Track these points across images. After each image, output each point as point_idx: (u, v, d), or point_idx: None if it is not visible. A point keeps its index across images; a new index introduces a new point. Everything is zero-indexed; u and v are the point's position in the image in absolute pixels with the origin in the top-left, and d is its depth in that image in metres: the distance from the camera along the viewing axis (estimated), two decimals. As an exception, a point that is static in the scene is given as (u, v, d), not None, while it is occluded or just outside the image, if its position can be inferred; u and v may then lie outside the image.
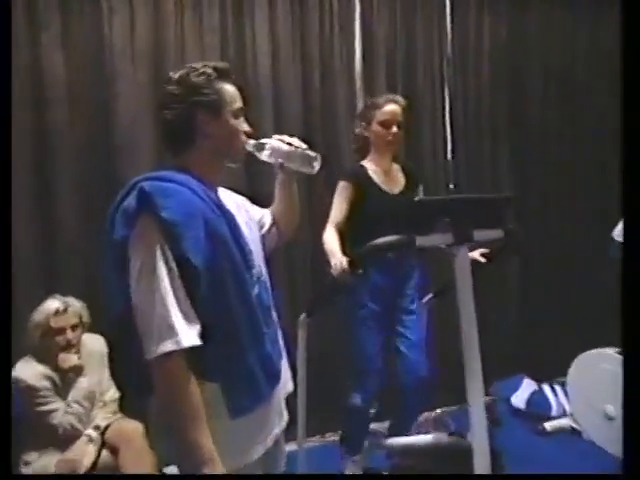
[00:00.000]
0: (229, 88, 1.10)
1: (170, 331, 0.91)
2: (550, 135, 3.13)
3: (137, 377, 0.97)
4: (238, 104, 1.11)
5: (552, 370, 3.02)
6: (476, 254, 1.71)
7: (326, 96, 2.62)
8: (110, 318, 1.00)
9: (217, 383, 1.00)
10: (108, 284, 1.00)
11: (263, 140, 1.18)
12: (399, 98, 2.03)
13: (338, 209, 1.96)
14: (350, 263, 1.49)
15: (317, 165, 1.19)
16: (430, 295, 2.01)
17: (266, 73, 2.49)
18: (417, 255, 2.08)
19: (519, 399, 2.83)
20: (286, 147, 1.19)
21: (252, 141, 1.16)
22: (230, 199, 1.18)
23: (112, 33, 2.24)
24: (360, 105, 2.66)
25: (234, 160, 1.15)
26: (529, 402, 2.80)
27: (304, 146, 1.21)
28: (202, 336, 0.96)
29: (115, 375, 1.07)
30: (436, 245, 1.33)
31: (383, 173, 2.04)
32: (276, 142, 1.19)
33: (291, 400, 1.40)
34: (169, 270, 0.93)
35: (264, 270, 1.17)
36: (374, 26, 2.70)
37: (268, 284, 1.17)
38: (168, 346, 0.91)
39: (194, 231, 0.95)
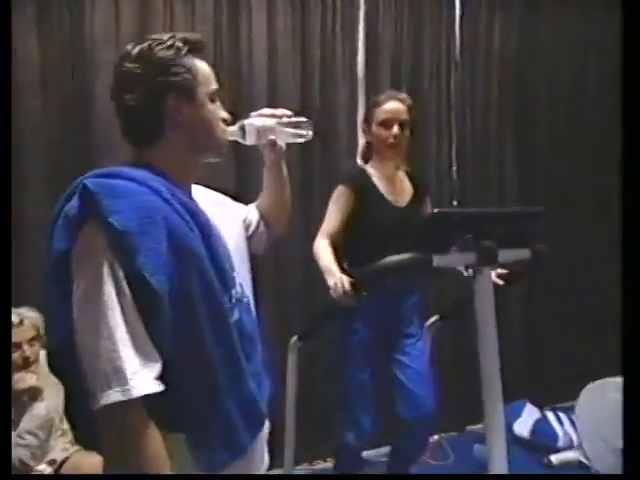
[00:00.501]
0: (203, 65, 0.91)
1: (118, 376, 0.71)
2: (560, 144, 2.97)
3: (89, 419, 0.77)
4: (214, 85, 0.92)
5: (554, 396, 2.86)
6: (492, 275, 1.51)
7: (326, 98, 2.45)
8: (52, 348, 0.80)
9: (183, 434, 0.80)
10: (49, 307, 0.80)
11: (243, 122, 1.00)
12: (403, 95, 1.80)
13: (333, 218, 1.71)
14: (352, 284, 1.29)
15: (310, 130, 1.05)
16: (435, 317, 1.82)
17: (262, 71, 2.32)
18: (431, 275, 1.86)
19: (522, 427, 2.65)
20: (271, 121, 1.03)
21: (232, 127, 0.98)
22: (207, 200, 0.99)
23: (94, 20, 2.05)
24: (361, 109, 2.50)
25: (214, 154, 0.95)
26: (533, 431, 2.62)
27: (289, 113, 1.05)
28: (163, 377, 0.76)
29: (66, 412, 0.87)
30: (455, 266, 1.16)
31: (387, 182, 1.79)
32: (259, 120, 1.02)
33: (278, 425, 1.21)
34: (120, 293, 0.73)
35: (248, 289, 0.97)
36: (379, 26, 2.54)
37: (252, 306, 0.97)
38: (115, 396, 0.71)
39: (153, 242, 0.75)
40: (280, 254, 2.33)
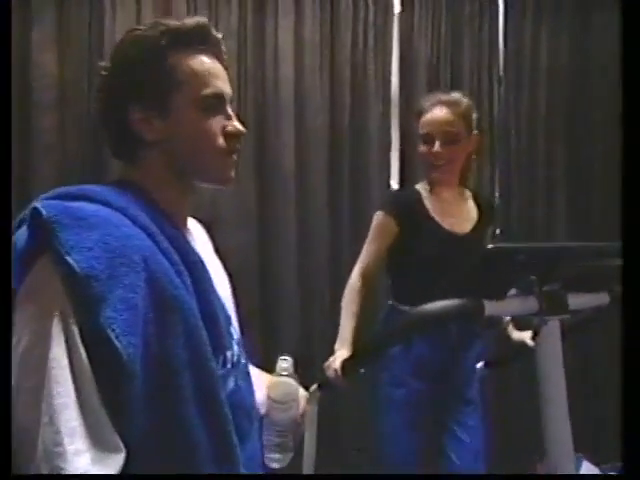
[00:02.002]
0: (192, 63, 0.69)
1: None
2: (618, 170, 2.69)
3: None
4: (209, 89, 0.69)
5: (612, 451, 2.51)
6: (527, 335, 1.25)
7: (356, 114, 2.30)
8: None
9: None
10: None
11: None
12: (454, 97, 1.47)
13: (369, 250, 1.47)
14: (350, 361, 1.15)
15: (280, 460, 0.88)
16: (481, 363, 1.57)
17: (288, 86, 2.20)
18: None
19: (577, 489, 2.31)
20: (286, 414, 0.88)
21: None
22: (200, 233, 0.81)
23: (114, 30, 1.97)
24: (395, 126, 2.34)
25: (208, 179, 0.74)
26: (590, 494, 2.28)
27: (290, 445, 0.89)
28: (127, 469, 0.56)
29: None
30: (513, 315, 0.94)
31: (443, 203, 1.48)
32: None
33: None
34: (72, 358, 0.54)
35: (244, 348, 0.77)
36: (414, 39, 2.37)
37: (249, 369, 0.78)
38: None
39: (126, 291, 0.56)
40: (304, 286, 2.14)
